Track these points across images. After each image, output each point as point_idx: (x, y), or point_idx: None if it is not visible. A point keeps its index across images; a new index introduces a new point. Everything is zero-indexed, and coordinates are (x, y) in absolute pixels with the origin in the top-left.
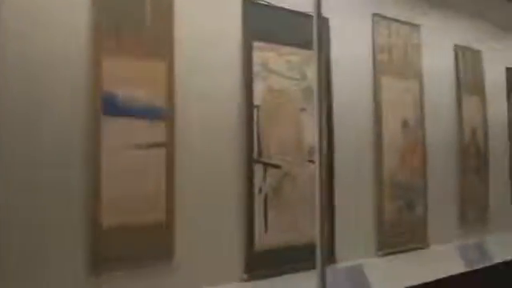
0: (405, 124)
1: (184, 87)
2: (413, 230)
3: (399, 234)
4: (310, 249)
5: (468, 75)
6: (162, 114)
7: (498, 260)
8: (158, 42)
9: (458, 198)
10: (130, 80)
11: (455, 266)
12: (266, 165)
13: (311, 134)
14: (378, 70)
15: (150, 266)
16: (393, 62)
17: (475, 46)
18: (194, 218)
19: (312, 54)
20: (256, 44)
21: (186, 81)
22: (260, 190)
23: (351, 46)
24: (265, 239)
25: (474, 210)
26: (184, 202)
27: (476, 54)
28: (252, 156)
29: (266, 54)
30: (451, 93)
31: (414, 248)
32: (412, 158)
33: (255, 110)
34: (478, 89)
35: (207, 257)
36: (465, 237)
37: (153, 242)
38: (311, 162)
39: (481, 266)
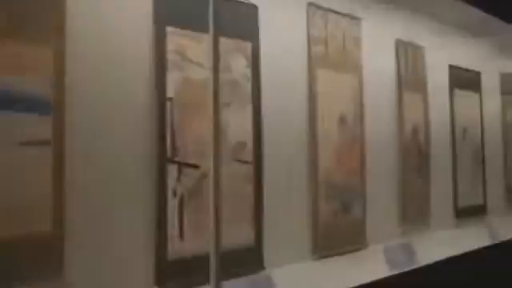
0: (342, 120)
1: (80, 78)
2: (351, 231)
3: (336, 236)
4: (233, 256)
5: (409, 71)
6: (49, 108)
7: (436, 258)
8: (44, 28)
9: (399, 198)
10: (11, 69)
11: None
12: (181, 165)
13: (238, 131)
14: (313, 62)
15: (35, 286)
16: (330, 54)
17: (418, 41)
18: (91, 228)
19: (239, 44)
20: (170, 29)
21: (83, 71)
22: (174, 193)
23: (283, 36)
24: (180, 247)
25: (415, 210)
26: (78, 210)
27: (418, 50)
28: (165, 155)
29: (182, 41)
30: (392, 89)
31: (352, 249)
32: (350, 156)
33: (168, 104)
34: (420, 86)
35: (108, 271)
36: (406, 236)
37: (37, 258)
38: (237, 161)
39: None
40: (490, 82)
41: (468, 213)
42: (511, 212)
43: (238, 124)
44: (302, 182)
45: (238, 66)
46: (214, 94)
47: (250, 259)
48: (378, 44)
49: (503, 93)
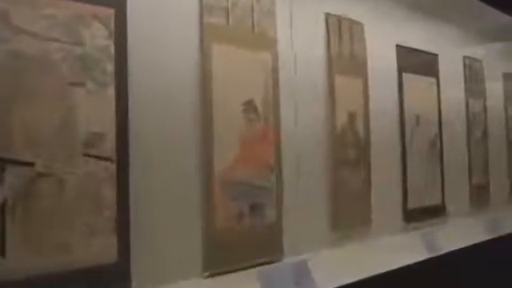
0: (249, 106)
1: None
2: (261, 241)
3: (239, 247)
4: (86, 276)
5: (345, 52)
6: None
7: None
8: None
9: (330, 198)
10: None
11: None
12: (4, 162)
13: (92, 119)
14: (207, 34)
15: None
16: (233, 27)
17: (355, 17)
18: None
19: (96, 9)
20: None
21: None
22: None
23: (166, 2)
24: (2, 267)
25: (351, 212)
26: None
27: (356, 27)
28: None
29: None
30: (321, 71)
31: (262, 263)
32: (261, 149)
33: None
34: (359, 68)
35: None
36: (339, 244)
37: None
38: (91, 157)
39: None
40: (451, 67)
41: (421, 215)
42: (477, 214)
43: (94, 110)
44: (192, 182)
45: (94, 37)
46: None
47: (111, 279)
48: (301, 18)
49: (467, 78)
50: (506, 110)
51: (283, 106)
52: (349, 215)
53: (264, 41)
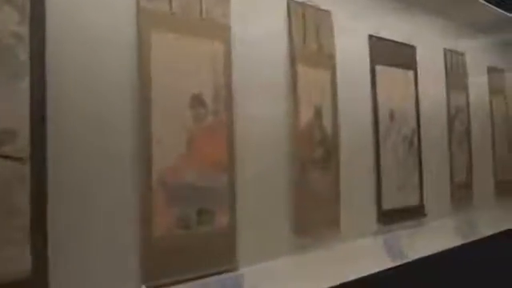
0: (196, 100)
1: None
2: (210, 249)
3: (184, 257)
4: None
5: (310, 40)
6: None
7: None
8: None
9: (292, 201)
10: None
11: None
12: None
13: (1, 113)
14: (144, 21)
15: None
16: (176, 12)
17: (322, 4)
18: None
19: None
20: None
21: None
22: None
23: None
24: None
25: (318, 216)
26: None
27: (322, 15)
28: None
29: None
30: (282, 61)
31: (213, 273)
32: (211, 147)
33: None
34: (326, 59)
35: None
36: (302, 251)
37: None
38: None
39: None
40: (431, 59)
41: (397, 216)
42: (459, 214)
43: (3, 104)
44: (127, 184)
45: (4, 23)
46: None
47: None
48: (259, 3)
49: (448, 72)
50: (491, 104)
51: (238, 101)
52: (315, 218)
53: (215, 28)
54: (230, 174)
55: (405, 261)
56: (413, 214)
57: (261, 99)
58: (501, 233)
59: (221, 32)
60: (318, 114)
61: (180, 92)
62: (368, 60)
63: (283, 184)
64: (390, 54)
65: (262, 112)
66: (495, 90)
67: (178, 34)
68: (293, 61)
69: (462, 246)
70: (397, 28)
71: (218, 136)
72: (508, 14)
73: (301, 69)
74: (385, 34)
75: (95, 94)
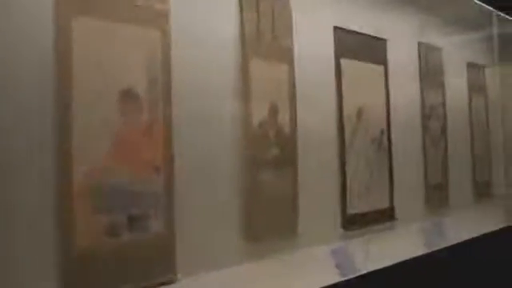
0: (127, 95)
1: None
2: (144, 259)
3: (113, 269)
4: None
5: (264, 30)
6: None
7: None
8: None
9: (244, 204)
10: None
11: None
12: None
13: None
14: (63, 5)
15: None
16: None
17: None
18: None
19: None
20: None
21: None
22: None
23: None
24: None
25: (271, 220)
26: None
27: (279, 2)
28: None
29: None
30: (231, 53)
31: (147, 286)
32: (144, 147)
33: None
34: (282, 51)
35: None
36: (253, 260)
37: None
38: None
39: None
40: (403, 54)
41: (364, 221)
42: (433, 217)
43: None
44: (45, 189)
45: None
46: None
47: None
48: None
49: (423, 68)
50: (470, 102)
51: (178, 96)
52: (270, 224)
53: (150, 15)
54: (166, 176)
55: (370, 269)
56: (382, 217)
57: (205, 94)
58: (473, 239)
59: (158, 19)
60: (274, 111)
61: (107, 86)
62: (332, 53)
63: (232, 187)
64: (357, 47)
65: (207, 108)
66: (475, 88)
67: (106, 21)
68: (244, 52)
69: (436, 251)
70: (366, 19)
71: (152, 135)
72: (490, 8)
73: (254, 61)
74: (352, 25)
75: (3, 91)
